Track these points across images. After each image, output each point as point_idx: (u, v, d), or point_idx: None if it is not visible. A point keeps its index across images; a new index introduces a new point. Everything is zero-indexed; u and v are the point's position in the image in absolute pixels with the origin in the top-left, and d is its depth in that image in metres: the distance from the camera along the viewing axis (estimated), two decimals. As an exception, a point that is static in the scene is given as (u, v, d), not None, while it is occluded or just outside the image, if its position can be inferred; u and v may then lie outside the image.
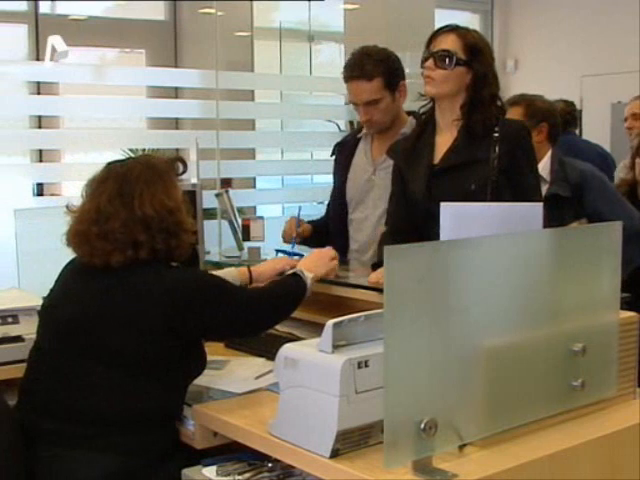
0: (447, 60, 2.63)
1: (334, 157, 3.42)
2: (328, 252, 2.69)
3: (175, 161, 2.35)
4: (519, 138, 2.70)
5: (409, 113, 3.24)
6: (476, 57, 2.66)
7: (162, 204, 2.19)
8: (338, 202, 3.33)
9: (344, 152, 3.36)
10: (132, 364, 2.11)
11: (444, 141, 2.74)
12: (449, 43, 2.65)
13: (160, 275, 2.15)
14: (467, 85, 2.67)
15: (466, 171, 2.64)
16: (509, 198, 2.51)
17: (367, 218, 3.22)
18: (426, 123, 2.81)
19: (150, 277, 2.15)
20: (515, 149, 2.65)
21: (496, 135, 2.63)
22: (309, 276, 2.47)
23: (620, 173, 4.00)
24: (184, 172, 2.38)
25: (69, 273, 2.28)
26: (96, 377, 2.10)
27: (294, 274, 2.48)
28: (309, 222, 3.32)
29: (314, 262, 2.60)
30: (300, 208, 3.26)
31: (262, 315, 2.35)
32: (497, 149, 2.61)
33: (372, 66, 3.08)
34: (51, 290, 2.29)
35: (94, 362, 2.10)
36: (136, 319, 2.10)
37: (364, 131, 3.28)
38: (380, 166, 3.19)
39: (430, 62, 2.66)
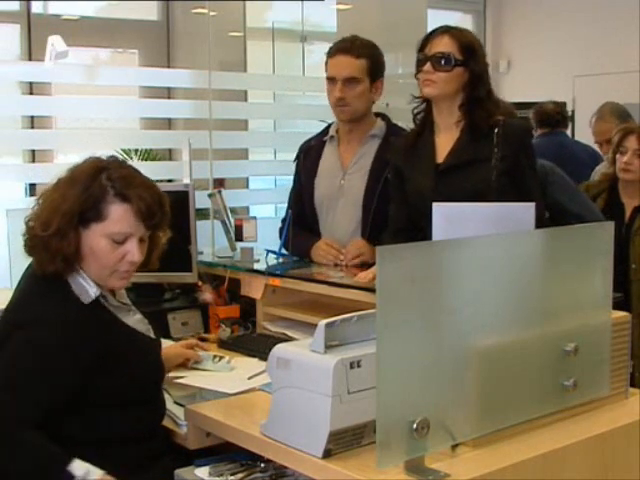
0: (444, 62, 2.64)
1: (296, 161, 3.32)
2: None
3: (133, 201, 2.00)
4: (522, 140, 2.72)
5: (377, 115, 3.20)
6: (471, 56, 2.68)
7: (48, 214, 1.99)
8: (309, 207, 3.22)
9: (311, 156, 3.27)
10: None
11: (445, 141, 2.74)
12: (444, 45, 2.66)
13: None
14: (464, 84, 2.68)
15: (472, 169, 2.66)
16: (512, 199, 2.50)
17: (338, 224, 3.15)
18: (423, 124, 2.81)
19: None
20: (518, 151, 2.66)
21: (497, 135, 2.63)
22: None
23: (602, 169, 4.06)
24: (149, 219, 2.04)
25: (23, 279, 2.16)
26: None
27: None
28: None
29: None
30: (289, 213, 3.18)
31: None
32: (499, 149, 2.62)
33: (361, 47, 3.06)
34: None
35: None
36: None
37: (330, 133, 3.22)
38: (349, 170, 3.14)
39: (428, 66, 2.67)
